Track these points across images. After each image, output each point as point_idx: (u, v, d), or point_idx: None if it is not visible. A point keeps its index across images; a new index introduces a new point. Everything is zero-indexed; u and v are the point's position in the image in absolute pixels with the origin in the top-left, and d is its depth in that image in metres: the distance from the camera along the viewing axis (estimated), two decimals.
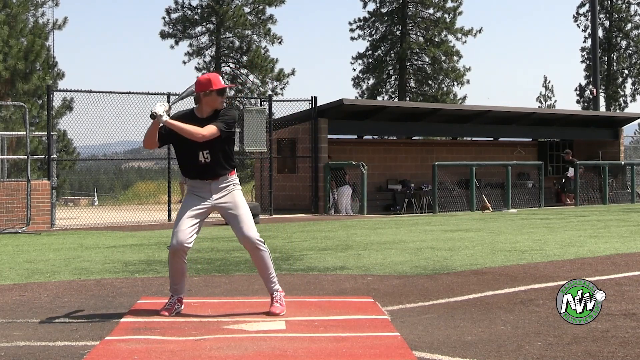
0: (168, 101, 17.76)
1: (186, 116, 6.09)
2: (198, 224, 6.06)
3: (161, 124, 5.97)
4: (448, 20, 46.42)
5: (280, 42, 43.66)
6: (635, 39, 51.74)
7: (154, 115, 5.89)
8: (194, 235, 6.02)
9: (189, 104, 6.67)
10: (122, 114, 17.47)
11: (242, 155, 21.26)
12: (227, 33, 43.84)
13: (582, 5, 52.46)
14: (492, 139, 27.84)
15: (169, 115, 5.98)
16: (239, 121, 17.55)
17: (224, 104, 6.14)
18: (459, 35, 46.48)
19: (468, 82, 46.98)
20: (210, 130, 5.92)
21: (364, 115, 23.23)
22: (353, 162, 20.76)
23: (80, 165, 29.02)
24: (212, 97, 6.03)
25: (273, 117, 20.16)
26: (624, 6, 51.78)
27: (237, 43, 44.07)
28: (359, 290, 7.23)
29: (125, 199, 26.77)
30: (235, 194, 6.12)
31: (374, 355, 4.82)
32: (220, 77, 6.08)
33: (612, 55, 51.93)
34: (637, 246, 10.81)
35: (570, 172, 23.65)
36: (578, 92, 52.95)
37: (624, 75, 52.32)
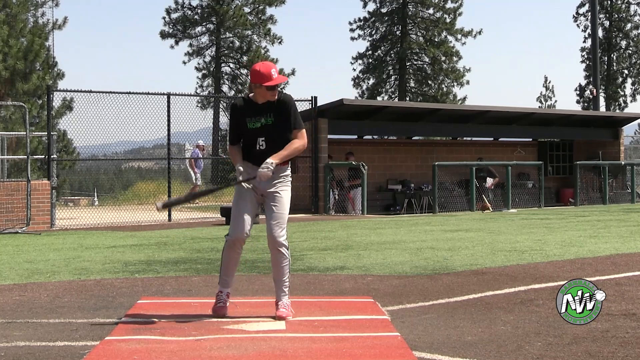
0: (169, 102, 17.76)
1: (245, 105, 6.04)
2: (252, 212, 6.05)
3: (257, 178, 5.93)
4: (448, 21, 46.42)
5: (280, 42, 43.69)
6: (635, 39, 51.74)
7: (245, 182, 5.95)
8: (251, 224, 6.01)
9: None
10: (122, 114, 17.49)
11: None
12: (227, 33, 43.84)
13: (582, 5, 52.47)
14: (492, 139, 27.84)
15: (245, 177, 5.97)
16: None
17: (277, 94, 6.00)
18: (459, 36, 46.50)
19: (468, 82, 47.02)
20: (302, 134, 6.01)
21: (364, 115, 23.23)
22: (353, 162, 20.75)
23: (80, 165, 28.99)
24: (262, 90, 5.95)
25: None
26: (623, 6, 51.78)
27: (237, 43, 44.08)
28: (359, 291, 7.23)
29: (125, 199, 26.74)
30: (283, 187, 6.05)
31: (374, 355, 4.81)
32: (273, 70, 5.94)
33: (612, 55, 51.94)
34: (637, 246, 10.81)
35: (489, 181, 23.81)
36: (578, 92, 52.96)
37: (624, 75, 52.32)
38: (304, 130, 6.04)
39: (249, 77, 6.09)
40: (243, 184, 5.99)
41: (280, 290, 6.02)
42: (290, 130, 6.02)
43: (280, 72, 41.32)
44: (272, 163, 5.85)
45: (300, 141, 6.01)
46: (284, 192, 6.05)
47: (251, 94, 6.06)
